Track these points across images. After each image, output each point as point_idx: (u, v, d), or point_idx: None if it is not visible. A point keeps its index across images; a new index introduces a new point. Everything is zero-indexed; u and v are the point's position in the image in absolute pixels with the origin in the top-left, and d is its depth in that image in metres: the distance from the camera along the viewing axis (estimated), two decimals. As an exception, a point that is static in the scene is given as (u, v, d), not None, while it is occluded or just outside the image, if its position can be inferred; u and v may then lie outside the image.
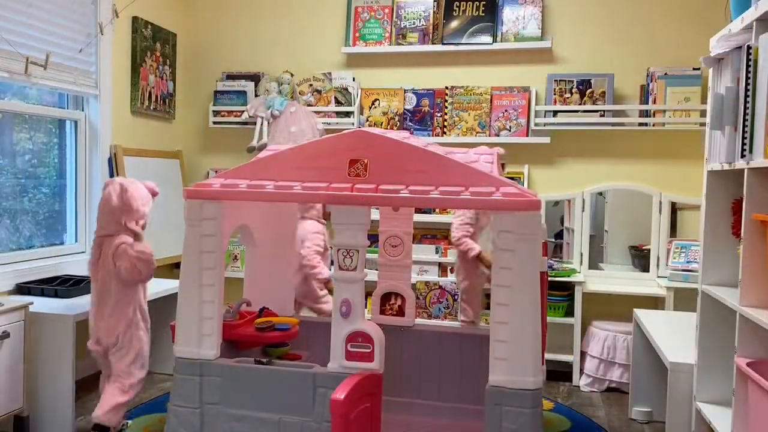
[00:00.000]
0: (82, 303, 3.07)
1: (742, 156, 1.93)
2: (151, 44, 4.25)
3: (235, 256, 4.47)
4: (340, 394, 1.96)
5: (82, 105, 3.82)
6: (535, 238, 2.16)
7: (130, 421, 3.01)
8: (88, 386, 3.42)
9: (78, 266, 3.61)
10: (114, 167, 3.85)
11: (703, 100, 3.78)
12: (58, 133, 3.76)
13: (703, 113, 3.78)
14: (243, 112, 4.43)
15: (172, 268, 4.22)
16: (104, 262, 2.74)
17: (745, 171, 1.93)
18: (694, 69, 3.86)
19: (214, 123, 4.56)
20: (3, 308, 2.67)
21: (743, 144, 1.91)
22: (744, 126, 1.91)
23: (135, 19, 4.07)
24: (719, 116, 2.03)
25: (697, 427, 2.28)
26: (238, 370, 2.30)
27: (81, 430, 3.01)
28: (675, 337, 2.77)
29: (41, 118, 3.62)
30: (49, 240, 3.68)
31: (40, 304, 2.95)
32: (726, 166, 2.04)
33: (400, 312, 3.14)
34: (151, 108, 4.28)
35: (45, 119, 3.65)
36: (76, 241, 3.80)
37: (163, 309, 3.51)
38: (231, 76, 4.56)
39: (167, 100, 4.45)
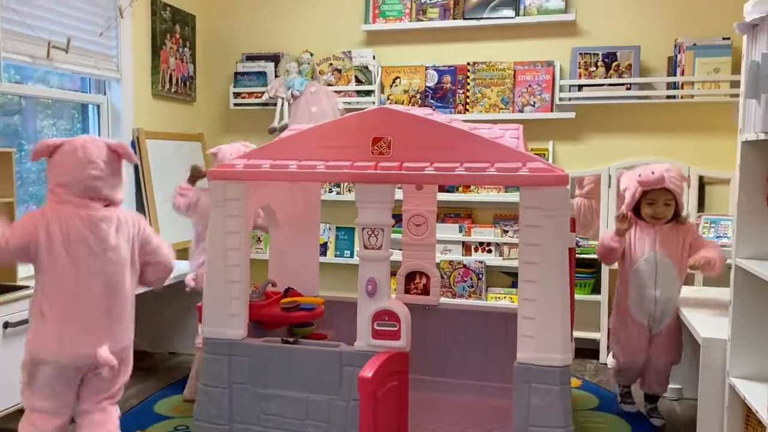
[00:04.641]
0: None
1: (779, 125, 1.86)
2: (171, 27, 4.24)
3: (259, 238, 4.48)
4: (368, 372, 1.96)
5: (104, 89, 3.84)
6: (563, 214, 2.13)
7: None
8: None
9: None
10: (137, 150, 3.87)
11: (734, 71, 3.67)
12: (81, 118, 3.79)
13: (733, 84, 3.68)
14: (263, 93, 4.41)
15: (196, 251, 4.24)
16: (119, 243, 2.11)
17: (783, 140, 1.87)
18: (723, 39, 3.75)
19: (235, 105, 4.55)
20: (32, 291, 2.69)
21: (780, 112, 1.85)
22: (781, 93, 1.84)
23: (154, 2, 4.06)
24: (755, 84, 1.96)
25: (731, 402, 2.24)
26: (266, 349, 2.30)
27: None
28: (706, 312, 2.72)
29: (64, 103, 3.64)
30: (76, 224, 3.71)
31: (69, 287, 2.97)
32: (762, 136, 1.98)
33: (425, 291, 3.13)
34: (172, 91, 4.28)
35: (68, 105, 3.67)
36: (102, 224, 3.83)
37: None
38: (251, 57, 4.55)
39: (188, 83, 4.45)
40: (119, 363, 2.07)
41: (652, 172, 2.76)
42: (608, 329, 3.52)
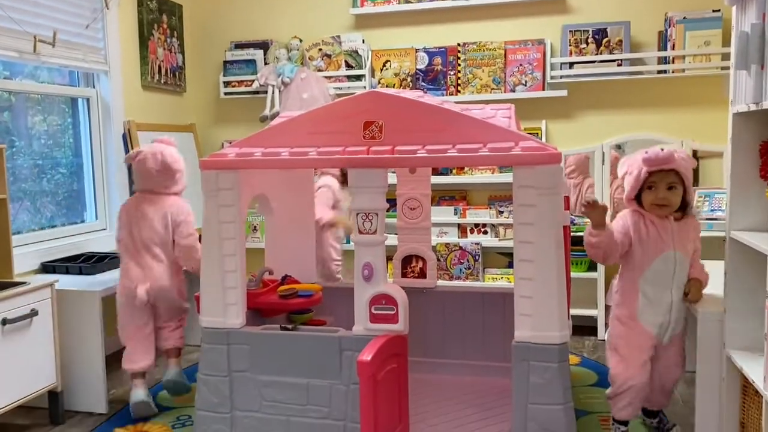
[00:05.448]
0: (106, 279, 3.12)
1: (770, 95, 1.86)
2: (158, 17, 4.20)
3: (255, 227, 4.48)
4: (366, 355, 1.97)
5: (92, 82, 3.81)
6: (557, 192, 2.12)
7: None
8: (116, 361, 3.47)
9: (100, 243, 3.64)
10: (128, 143, 3.85)
11: (724, 43, 3.66)
12: (71, 112, 3.76)
13: (724, 56, 3.67)
14: (254, 81, 4.39)
15: (192, 242, 4.24)
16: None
17: (774, 111, 1.86)
18: (713, 11, 3.74)
19: (225, 94, 4.53)
20: (29, 287, 2.70)
21: (771, 83, 1.84)
22: (771, 64, 1.84)
23: (139, -8, 4.02)
24: (745, 55, 1.95)
25: (728, 374, 2.25)
26: (265, 337, 2.31)
27: (113, 402, 3.07)
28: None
29: (54, 98, 3.61)
30: (70, 219, 3.71)
31: (66, 282, 2.98)
32: (753, 107, 1.98)
33: (422, 274, 3.14)
34: (162, 81, 4.25)
35: (58, 99, 3.65)
36: (96, 218, 3.82)
37: (187, 281, 3.53)
38: (239, 45, 4.51)
39: (177, 73, 4.42)
40: (160, 300, 2.94)
41: (662, 149, 2.36)
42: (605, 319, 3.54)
